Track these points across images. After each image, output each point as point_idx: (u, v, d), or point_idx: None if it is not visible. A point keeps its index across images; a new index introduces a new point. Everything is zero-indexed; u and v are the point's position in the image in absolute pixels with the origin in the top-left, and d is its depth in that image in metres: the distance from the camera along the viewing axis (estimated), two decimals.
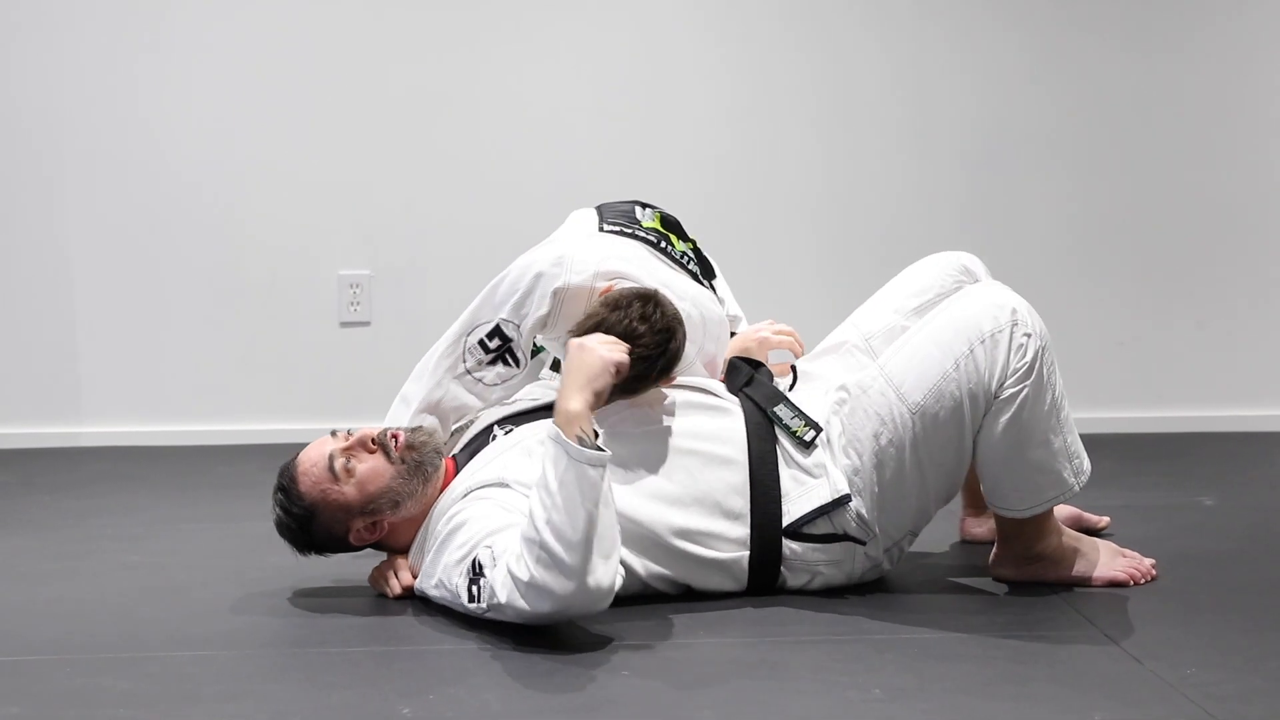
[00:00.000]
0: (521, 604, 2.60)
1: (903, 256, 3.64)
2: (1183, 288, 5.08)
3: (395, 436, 2.92)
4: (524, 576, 2.58)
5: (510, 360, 3.05)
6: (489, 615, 2.70)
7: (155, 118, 4.84)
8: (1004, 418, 2.87)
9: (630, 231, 3.22)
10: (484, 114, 4.91)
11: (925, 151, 5.00)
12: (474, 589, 2.69)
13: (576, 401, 2.67)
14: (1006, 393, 2.86)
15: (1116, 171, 5.04)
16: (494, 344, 3.05)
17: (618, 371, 2.75)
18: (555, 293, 3.02)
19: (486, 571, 2.67)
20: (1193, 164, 5.05)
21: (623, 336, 2.84)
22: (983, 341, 2.87)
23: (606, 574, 2.58)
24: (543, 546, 2.57)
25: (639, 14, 4.93)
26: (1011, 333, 2.87)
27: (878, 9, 4.97)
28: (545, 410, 2.95)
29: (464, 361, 3.06)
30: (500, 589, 2.62)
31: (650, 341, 2.86)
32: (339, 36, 4.87)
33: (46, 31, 4.78)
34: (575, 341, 2.79)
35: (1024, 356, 2.86)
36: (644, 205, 3.32)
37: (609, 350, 2.75)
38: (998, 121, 5.01)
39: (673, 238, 3.28)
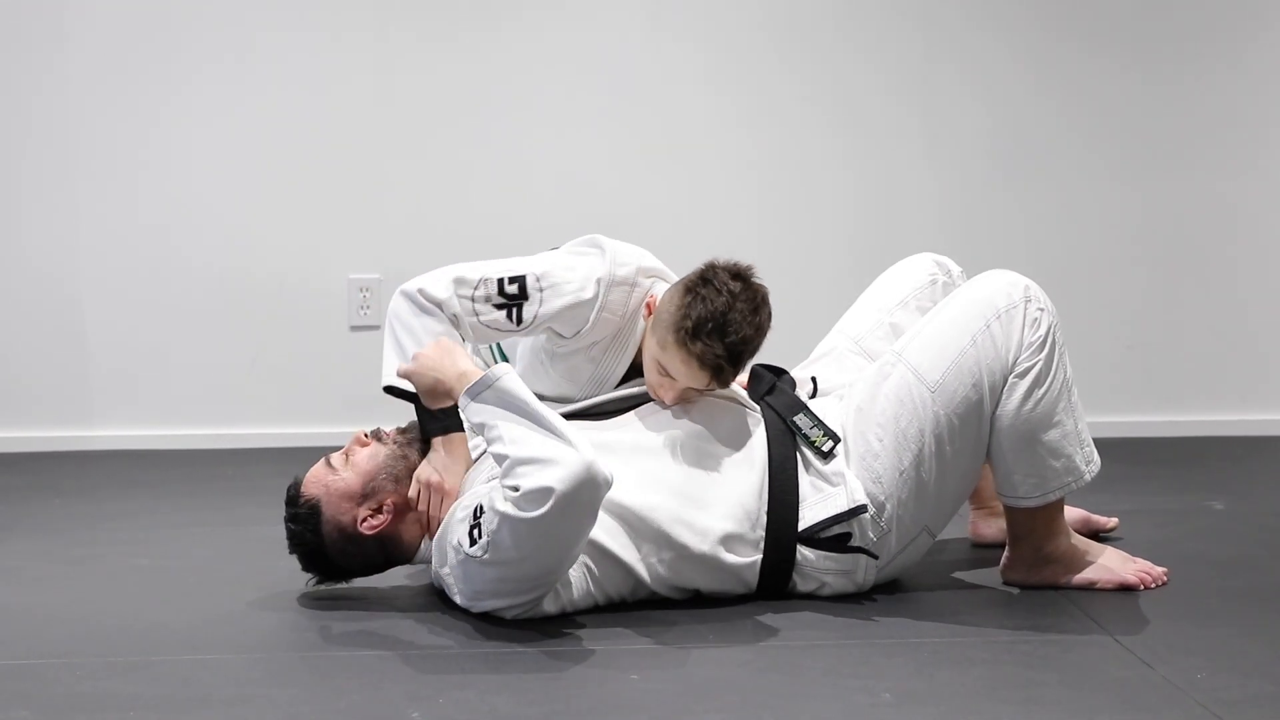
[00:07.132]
0: (520, 513, 2.59)
1: None
2: (1192, 291, 5.06)
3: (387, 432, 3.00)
4: (516, 492, 2.60)
5: (513, 316, 2.98)
6: (489, 562, 2.69)
7: (164, 121, 4.84)
8: (1019, 392, 2.91)
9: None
10: (493, 116, 4.90)
11: (936, 159, 4.99)
12: (475, 532, 2.69)
13: (465, 363, 2.80)
14: (1021, 366, 2.92)
15: (1126, 176, 5.03)
16: (512, 289, 2.97)
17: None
18: (599, 280, 3.00)
19: (486, 509, 2.68)
20: (1203, 168, 5.03)
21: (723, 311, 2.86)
22: (998, 317, 2.94)
23: (587, 450, 2.61)
24: (516, 462, 2.62)
25: (649, 20, 4.93)
26: (1025, 307, 2.95)
27: (889, 22, 4.96)
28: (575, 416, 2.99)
29: (475, 289, 2.98)
30: (500, 503, 2.62)
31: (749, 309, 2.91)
32: (349, 40, 4.87)
33: (58, 39, 4.78)
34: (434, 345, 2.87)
35: (1038, 330, 2.94)
36: None
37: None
38: (1008, 129, 4.99)
39: None
